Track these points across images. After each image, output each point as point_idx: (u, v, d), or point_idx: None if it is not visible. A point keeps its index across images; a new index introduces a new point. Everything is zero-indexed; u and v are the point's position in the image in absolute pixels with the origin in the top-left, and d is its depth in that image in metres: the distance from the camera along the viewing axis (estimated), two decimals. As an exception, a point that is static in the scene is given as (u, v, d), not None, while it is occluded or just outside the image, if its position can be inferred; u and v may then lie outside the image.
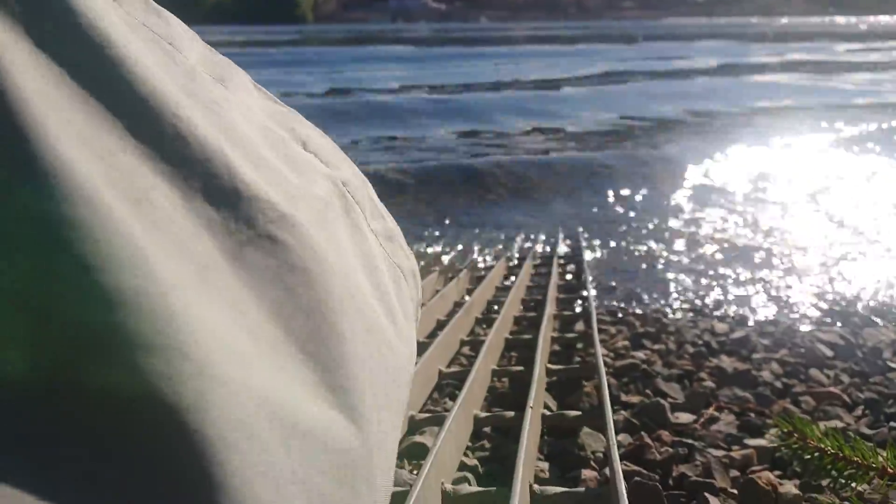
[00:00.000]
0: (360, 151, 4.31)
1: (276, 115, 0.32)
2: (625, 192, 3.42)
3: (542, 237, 2.66)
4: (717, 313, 1.80)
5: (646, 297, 1.98)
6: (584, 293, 1.70)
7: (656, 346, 1.46)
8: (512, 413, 0.84)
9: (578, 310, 1.61)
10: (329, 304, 0.28)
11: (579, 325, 1.50)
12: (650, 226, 2.76)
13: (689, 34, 26.48)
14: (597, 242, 2.58)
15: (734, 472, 0.90)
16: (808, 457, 0.78)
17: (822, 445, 0.77)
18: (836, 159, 4.07)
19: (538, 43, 21.44)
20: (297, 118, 0.34)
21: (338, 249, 0.30)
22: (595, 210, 3.06)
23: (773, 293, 1.94)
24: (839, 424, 1.06)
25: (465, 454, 0.85)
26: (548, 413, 0.85)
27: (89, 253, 0.19)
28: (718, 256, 2.32)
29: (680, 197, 3.27)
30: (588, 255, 2.33)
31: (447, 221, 3.00)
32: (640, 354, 1.39)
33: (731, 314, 1.79)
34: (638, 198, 3.30)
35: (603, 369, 0.93)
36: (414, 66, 12.86)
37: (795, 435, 0.79)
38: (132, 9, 0.27)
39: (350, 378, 0.27)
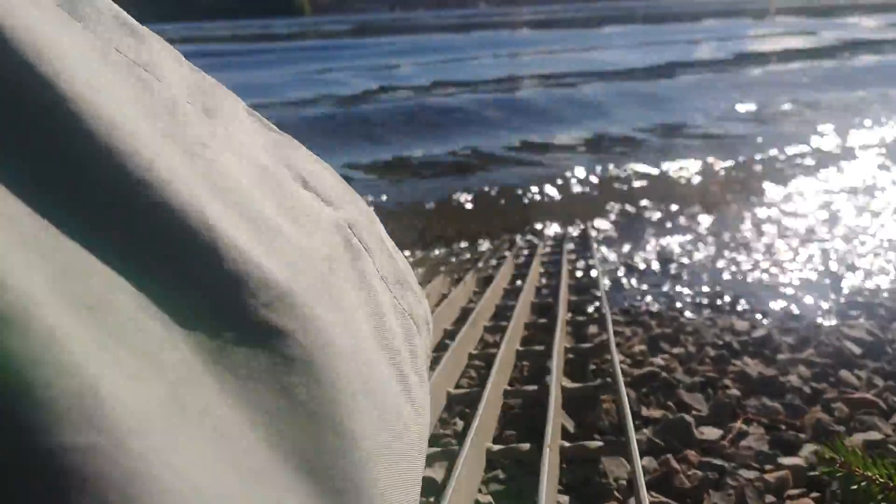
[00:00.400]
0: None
1: (272, 147, 0.27)
2: (635, 185, 3.34)
3: (552, 232, 2.59)
4: (735, 309, 1.73)
5: (660, 294, 1.91)
6: (597, 292, 1.64)
7: (675, 350, 1.39)
8: (528, 446, 0.77)
9: (591, 310, 1.55)
10: (335, 398, 0.23)
11: (593, 328, 1.43)
12: (660, 219, 2.68)
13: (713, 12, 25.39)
14: (606, 237, 2.51)
15: (770, 498, 0.83)
16: (855, 486, 0.71)
17: (870, 474, 0.71)
18: (870, 151, 3.87)
19: (582, 27, 20.54)
20: (295, 148, 0.28)
21: (345, 320, 0.25)
22: (603, 205, 2.98)
23: (792, 286, 1.86)
24: (877, 436, 0.99)
25: (479, 489, 0.79)
26: (567, 444, 0.79)
27: (25, 405, 0.14)
28: (733, 248, 2.24)
29: (692, 189, 3.19)
30: (598, 250, 2.26)
31: (458, 213, 2.94)
32: (659, 360, 1.32)
33: (750, 310, 1.72)
34: (648, 192, 3.22)
35: (623, 391, 0.87)
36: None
37: (839, 463, 0.72)
38: (101, 30, 0.22)
39: (361, 492, 0.23)
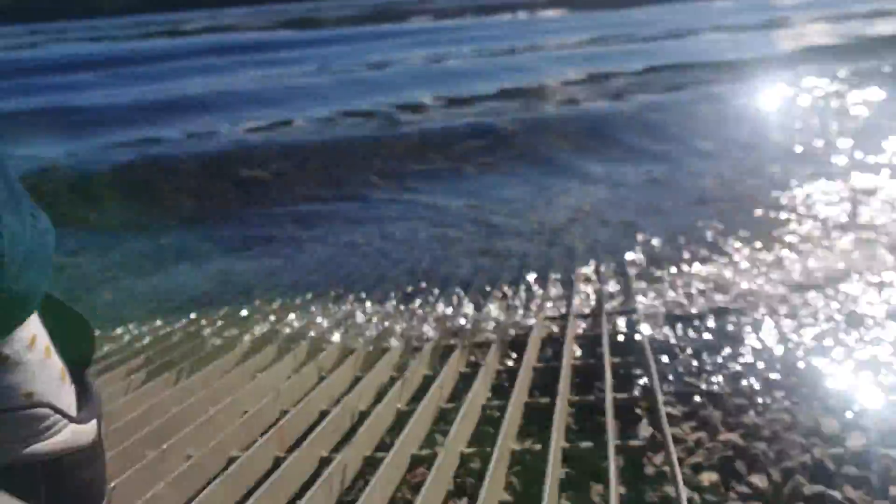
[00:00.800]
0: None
1: None
2: (680, 210, 3.02)
3: (586, 271, 2.29)
4: (817, 393, 1.43)
5: (718, 362, 1.61)
6: (647, 381, 1.36)
7: (755, 480, 1.10)
8: None
9: (640, 412, 1.27)
10: None
11: (644, 446, 1.15)
12: (712, 252, 2.36)
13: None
14: (648, 274, 2.21)
15: None
16: None
17: None
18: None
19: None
20: None
21: None
22: (644, 233, 2.67)
23: (891, 357, 1.55)
24: None
25: None
26: None
27: None
28: (805, 297, 1.92)
29: (749, 213, 2.85)
30: (638, 295, 1.95)
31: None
32: (739, 504, 1.03)
33: (836, 394, 1.41)
34: (695, 218, 2.89)
35: None
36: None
37: None
38: None
39: None
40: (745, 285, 2.05)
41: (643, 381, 1.46)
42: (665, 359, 1.66)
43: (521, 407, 1.28)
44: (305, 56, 11.44)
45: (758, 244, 2.41)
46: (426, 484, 0.94)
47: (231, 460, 1.08)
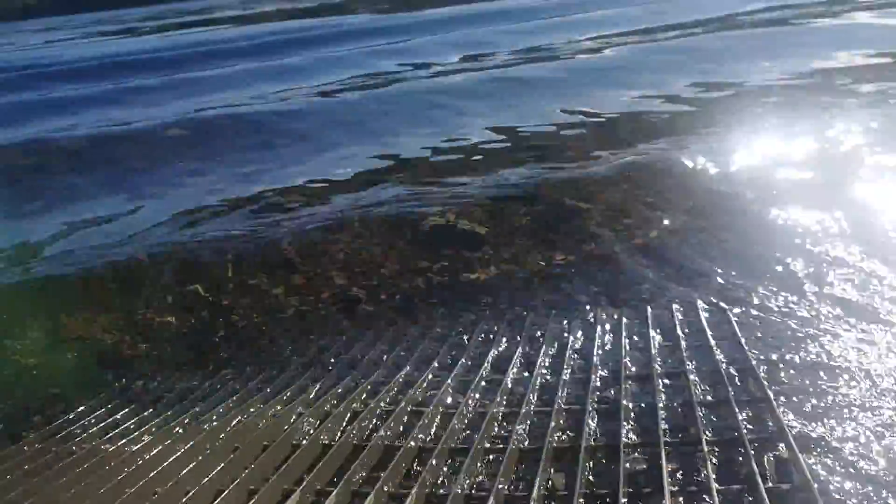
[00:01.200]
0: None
1: None
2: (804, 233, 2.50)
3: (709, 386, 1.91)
4: None
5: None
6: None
7: None
8: None
9: None
10: None
11: None
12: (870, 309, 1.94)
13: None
14: (769, 341, 1.85)
15: None
16: None
17: None
18: None
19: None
20: None
21: None
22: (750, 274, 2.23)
23: None
24: None
25: None
26: None
27: None
28: None
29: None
30: (785, 414, 1.60)
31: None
32: None
33: None
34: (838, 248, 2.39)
35: None
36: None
37: None
38: None
39: None
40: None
41: None
42: (827, 478, 1.36)
43: None
44: (439, 45, 9.37)
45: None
46: None
47: None
